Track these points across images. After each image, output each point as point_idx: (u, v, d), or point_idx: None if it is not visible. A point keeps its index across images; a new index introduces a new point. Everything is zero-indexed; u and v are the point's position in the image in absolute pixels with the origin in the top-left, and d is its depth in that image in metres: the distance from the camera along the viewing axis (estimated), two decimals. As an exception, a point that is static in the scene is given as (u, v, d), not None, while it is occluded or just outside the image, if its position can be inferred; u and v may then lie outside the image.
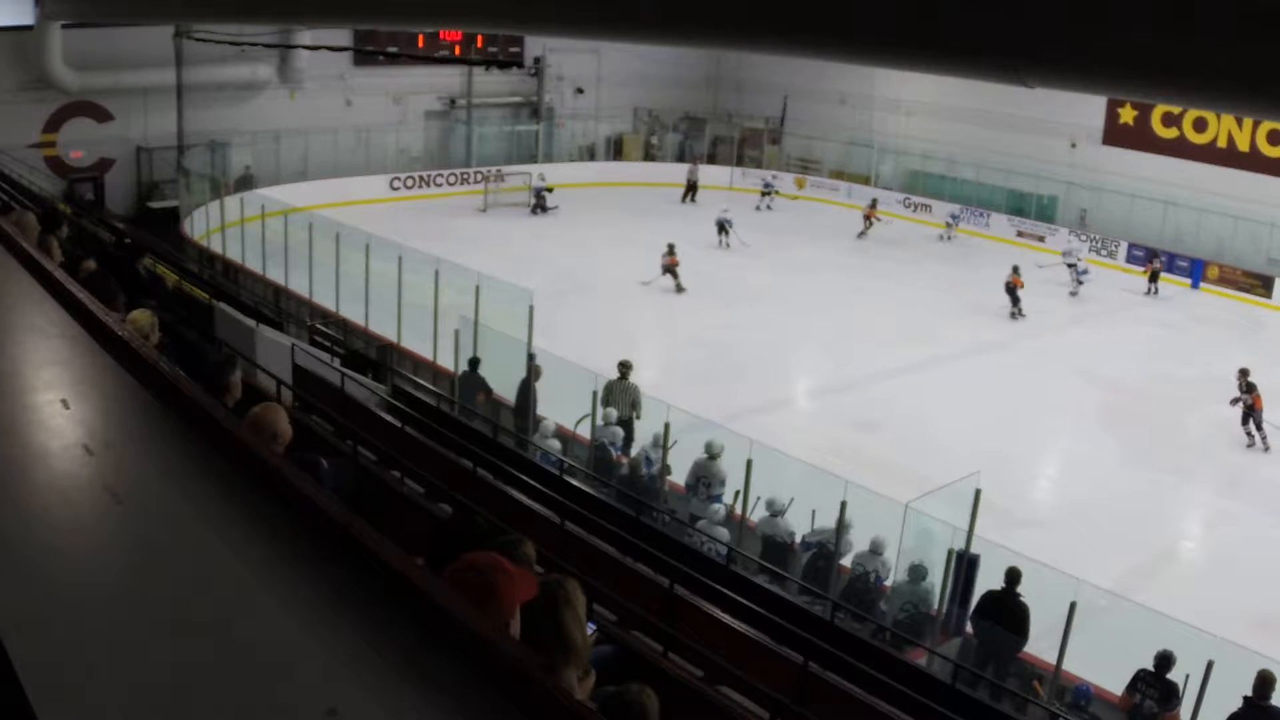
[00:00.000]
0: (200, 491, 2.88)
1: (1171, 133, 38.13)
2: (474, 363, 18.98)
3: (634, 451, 17.49)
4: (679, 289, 29.81)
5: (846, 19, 5.52)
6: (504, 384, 19.21)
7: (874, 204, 39.85)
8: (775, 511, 15.01)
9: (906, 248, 38.03)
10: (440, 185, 42.24)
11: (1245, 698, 11.28)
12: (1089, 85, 5.60)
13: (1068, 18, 5.00)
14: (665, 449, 16.42)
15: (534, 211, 40.05)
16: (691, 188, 43.66)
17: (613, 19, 7.25)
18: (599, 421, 17.71)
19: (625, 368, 18.87)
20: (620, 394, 18.58)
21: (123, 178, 37.03)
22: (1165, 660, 11.87)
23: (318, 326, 21.87)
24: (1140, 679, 12.07)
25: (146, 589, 2.40)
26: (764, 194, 43.15)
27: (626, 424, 18.32)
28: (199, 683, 2.06)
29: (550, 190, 40.38)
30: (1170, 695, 11.79)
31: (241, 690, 2.05)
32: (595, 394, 17.89)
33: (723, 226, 35.69)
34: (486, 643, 2.17)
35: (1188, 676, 11.80)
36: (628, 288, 30.21)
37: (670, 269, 29.91)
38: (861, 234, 38.94)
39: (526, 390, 18.66)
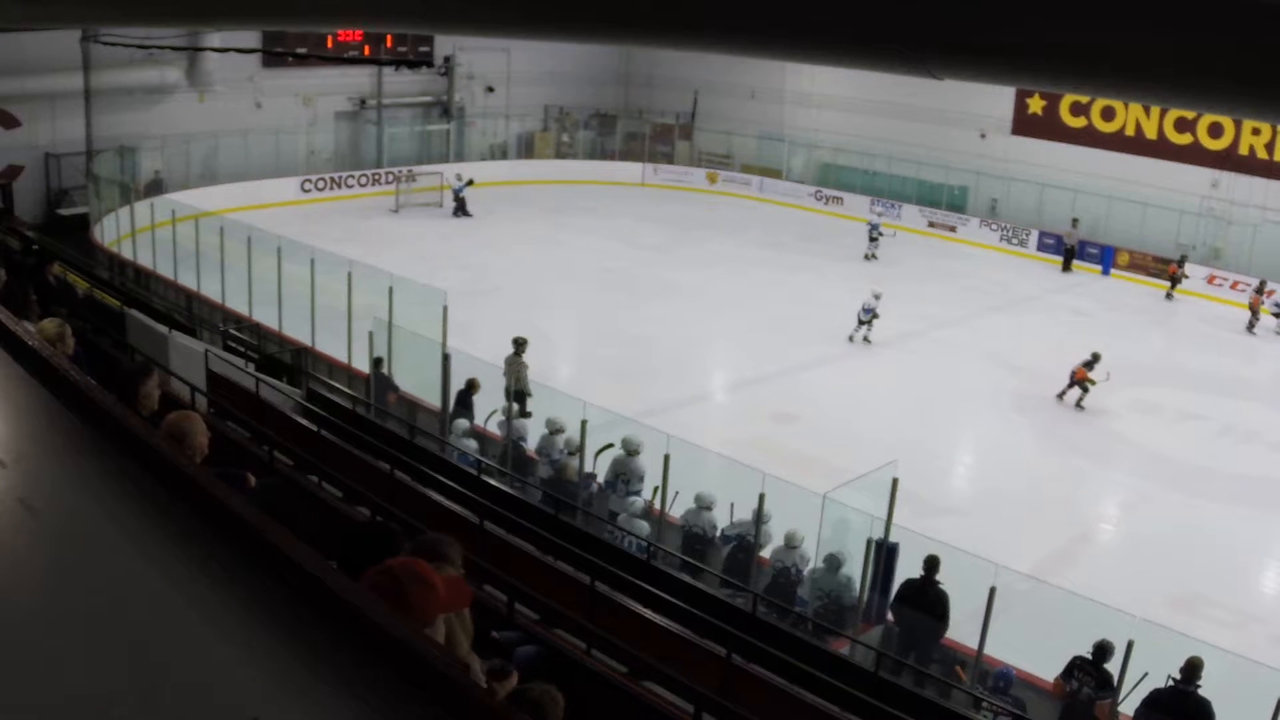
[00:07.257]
0: (116, 502, 2.86)
1: (1080, 122, 38.76)
2: (378, 362, 18.94)
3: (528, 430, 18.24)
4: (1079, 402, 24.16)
5: (747, 13, 5.56)
6: (419, 383, 19.18)
7: (1261, 286, 33.20)
8: (704, 505, 15.08)
9: (821, 240, 38.24)
10: (352, 186, 42.04)
11: (1171, 679, 11.41)
12: (998, 76, 5.66)
13: (973, 6, 5.06)
14: (583, 448, 16.41)
15: (456, 214, 39.63)
16: (1174, 281, 35.19)
17: (518, 18, 7.25)
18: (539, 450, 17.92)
19: (517, 344, 19.69)
20: (511, 369, 19.14)
21: (31, 184, 36.38)
22: (1102, 650, 11.97)
23: (231, 332, 21.69)
24: (1077, 666, 12.18)
25: (62, 603, 2.38)
26: (872, 239, 36.79)
27: (520, 396, 18.82)
28: (118, 698, 2.05)
29: (470, 184, 40.11)
30: (1106, 683, 11.90)
31: (162, 704, 2.05)
32: (507, 390, 17.99)
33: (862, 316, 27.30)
34: (405, 645, 2.17)
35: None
36: (541, 286, 30.22)
37: (1080, 382, 24.14)
38: (1250, 326, 32.72)
39: (461, 399, 18.66)
